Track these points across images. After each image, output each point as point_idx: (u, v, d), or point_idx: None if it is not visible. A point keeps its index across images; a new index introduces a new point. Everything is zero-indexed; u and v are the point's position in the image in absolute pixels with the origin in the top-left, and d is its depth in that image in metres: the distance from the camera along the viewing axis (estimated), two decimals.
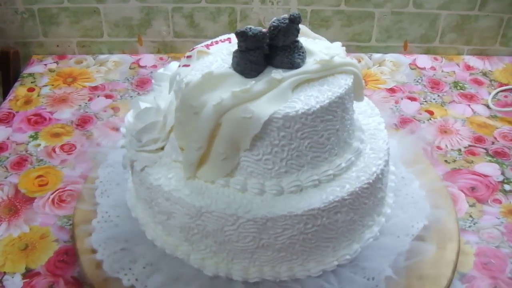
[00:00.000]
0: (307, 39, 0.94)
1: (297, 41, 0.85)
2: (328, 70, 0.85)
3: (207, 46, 0.91)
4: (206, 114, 0.79)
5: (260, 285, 0.88)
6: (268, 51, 0.84)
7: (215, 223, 0.82)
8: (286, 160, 0.83)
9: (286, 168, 0.83)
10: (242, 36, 0.81)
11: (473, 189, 1.17)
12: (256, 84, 0.81)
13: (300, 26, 0.86)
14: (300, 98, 0.82)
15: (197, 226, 0.83)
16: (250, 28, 0.81)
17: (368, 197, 0.88)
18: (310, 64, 0.85)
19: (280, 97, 0.81)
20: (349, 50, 1.60)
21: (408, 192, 1.06)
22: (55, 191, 1.13)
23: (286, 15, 0.83)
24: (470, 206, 1.13)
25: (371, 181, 0.87)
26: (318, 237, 0.84)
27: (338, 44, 0.93)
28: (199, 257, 0.87)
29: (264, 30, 0.82)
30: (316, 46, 0.91)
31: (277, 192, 0.82)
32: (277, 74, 0.82)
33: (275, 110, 0.79)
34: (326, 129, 0.83)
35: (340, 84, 0.85)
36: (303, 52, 0.86)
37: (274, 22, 0.83)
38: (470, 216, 1.11)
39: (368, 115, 1.00)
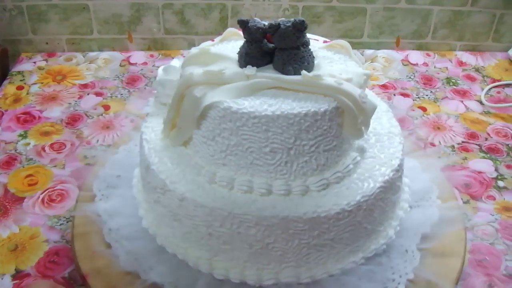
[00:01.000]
0: (341, 55, 0.92)
1: (299, 48, 0.83)
2: (308, 87, 0.82)
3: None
4: (178, 82, 0.84)
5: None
6: (268, 48, 0.83)
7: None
8: (224, 153, 0.83)
9: (224, 161, 0.84)
10: (241, 26, 0.82)
11: (467, 185, 1.17)
12: (228, 73, 0.82)
13: (342, 41, 0.91)
14: (254, 100, 0.80)
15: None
16: (255, 20, 0.81)
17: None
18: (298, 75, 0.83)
19: (237, 91, 0.81)
20: None
21: None
22: (45, 190, 1.12)
23: (293, 19, 0.82)
24: (464, 203, 1.12)
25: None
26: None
27: (366, 72, 0.89)
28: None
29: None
30: (339, 65, 0.88)
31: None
32: (249, 70, 0.82)
33: (221, 100, 0.80)
34: (270, 140, 0.81)
35: (308, 106, 0.80)
36: (304, 62, 0.83)
37: (277, 21, 0.82)
38: (464, 213, 1.09)
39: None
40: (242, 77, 0.81)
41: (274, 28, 0.81)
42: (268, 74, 0.82)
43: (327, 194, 0.83)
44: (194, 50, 0.88)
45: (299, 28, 0.81)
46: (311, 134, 0.81)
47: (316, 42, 0.93)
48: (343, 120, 0.83)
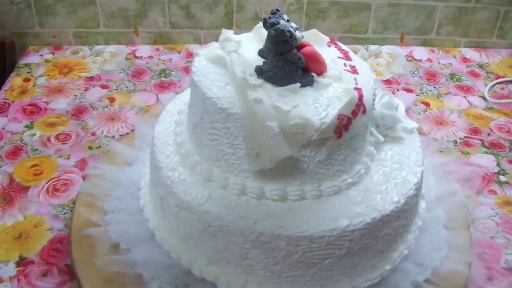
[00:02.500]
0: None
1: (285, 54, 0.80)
2: None
3: None
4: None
5: None
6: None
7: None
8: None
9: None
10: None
11: (468, 180, 1.17)
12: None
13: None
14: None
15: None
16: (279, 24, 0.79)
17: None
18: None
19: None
20: (346, 41, 1.60)
21: None
22: (50, 180, 1.13)
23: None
24: (466, 197, 1.12)
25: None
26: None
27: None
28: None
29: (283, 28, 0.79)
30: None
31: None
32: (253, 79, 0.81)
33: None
34: None
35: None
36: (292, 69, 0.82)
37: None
38: (465, 207, 1.10)
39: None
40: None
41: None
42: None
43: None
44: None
45: (278, 36, 0.78)
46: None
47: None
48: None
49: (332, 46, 0.91)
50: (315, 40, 0.91)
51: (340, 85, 0.83)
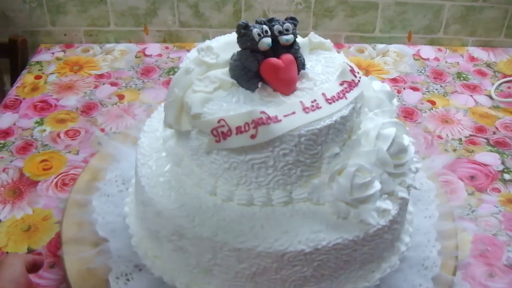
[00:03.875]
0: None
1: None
2: None
3: None
4: None
5: None
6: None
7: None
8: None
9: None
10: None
11: (472, 178, 1.18)
12: None
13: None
14: None
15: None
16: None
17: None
18: None
19: None
20: (353, 40, 1.63)
21: None
22: (59, 175, 1.15)
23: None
24: (469, 194, 1.14)
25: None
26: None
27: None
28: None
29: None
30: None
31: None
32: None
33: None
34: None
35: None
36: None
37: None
38: (469, 204, 1.12)
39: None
40: None
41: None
42: None
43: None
44: None
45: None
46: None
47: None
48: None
49: (347, 67, 0.86)
50: (320, 49, 0.92)
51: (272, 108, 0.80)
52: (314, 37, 0.91)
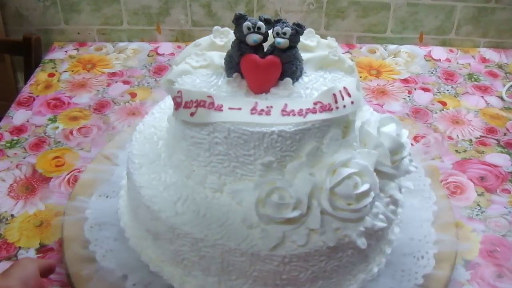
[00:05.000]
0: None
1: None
2: None
3: None
4: None
5: None
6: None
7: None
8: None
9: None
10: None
11: (482, 178, 1.18)
12: None
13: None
14: None
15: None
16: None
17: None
18: None
19: None
20: (365, 41, 1.64)
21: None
22: (71, 171, 1.16)
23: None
24: (479, 195, 1.14)
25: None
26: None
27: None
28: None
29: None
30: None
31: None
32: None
33: None
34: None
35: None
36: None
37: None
38: (478, 205, 1.11)
39: None
40: None
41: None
42: None
43: None
44: None
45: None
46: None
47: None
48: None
49: (332, 91, 0.83)
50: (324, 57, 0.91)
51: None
52: (334, 53, 0.89)
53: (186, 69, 0.88)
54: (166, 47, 1.62)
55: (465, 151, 1.25)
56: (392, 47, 1.63)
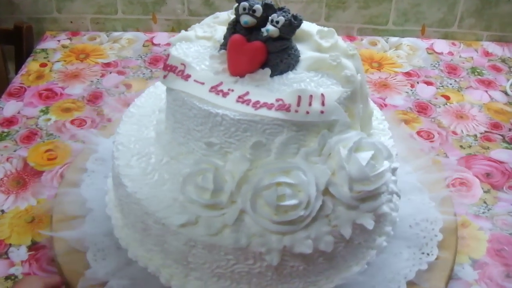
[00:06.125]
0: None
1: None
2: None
3: None
4: None
5: None
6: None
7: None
8: None
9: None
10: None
11: (488, 175, 1.15)
12: None
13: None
14: None
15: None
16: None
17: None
18: None
19: None
20: (366, 33, 1.61)
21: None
22: (64, 165, 1.12)
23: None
24: (485, 192, 1.11)
25: None
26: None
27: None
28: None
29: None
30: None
31: None
32: None
33: None
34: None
35: None
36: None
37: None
38: (484, 202, 1.09)
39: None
40: None
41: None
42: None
43: None
44: None
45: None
46: None
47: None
48: None
49: (303, 93, 0.78)
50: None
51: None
52: (335, 58, 0.83)
53: (188, 36, 0.89)
54: (162, 37, 1.58)
55: (470, 146, 1.23)
56: (393, 39, 1.59)
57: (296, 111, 0.76)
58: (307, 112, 0.77)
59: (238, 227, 0.77)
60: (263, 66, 0.81)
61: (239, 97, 0.78)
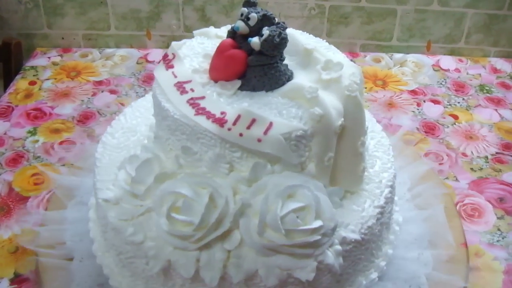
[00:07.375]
0: None
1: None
2: None
3: None
4: None
5: None
6: None
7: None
8: None
9: None
10: None
11: (501, 200, 1.10)
12: None
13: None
14: None
15: None
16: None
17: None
18: None
19: None
20: (369, 49, 1.56)
21: None
22: (51, 190, 1.06)
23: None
24: (498, 218, 1.06)
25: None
26: None
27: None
28: None
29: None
30: None
31: None
32: None
33: None
34: None
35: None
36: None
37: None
38: (498, 229, 1.04)
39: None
40: None
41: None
42: None
43: None
44: None
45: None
46: None
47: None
48: None
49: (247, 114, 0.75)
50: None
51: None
52: (311, 92, 0.75)
53: (208, 32, 0.91)
54: (156, 54, 1.53)
55: (481, 169, 1.17)
56: (398, 56, 1.55)
57: (229, 129, 0.73)
58: (241, 134, 0.72)
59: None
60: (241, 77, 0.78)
61: (192, 98, 0.78)
